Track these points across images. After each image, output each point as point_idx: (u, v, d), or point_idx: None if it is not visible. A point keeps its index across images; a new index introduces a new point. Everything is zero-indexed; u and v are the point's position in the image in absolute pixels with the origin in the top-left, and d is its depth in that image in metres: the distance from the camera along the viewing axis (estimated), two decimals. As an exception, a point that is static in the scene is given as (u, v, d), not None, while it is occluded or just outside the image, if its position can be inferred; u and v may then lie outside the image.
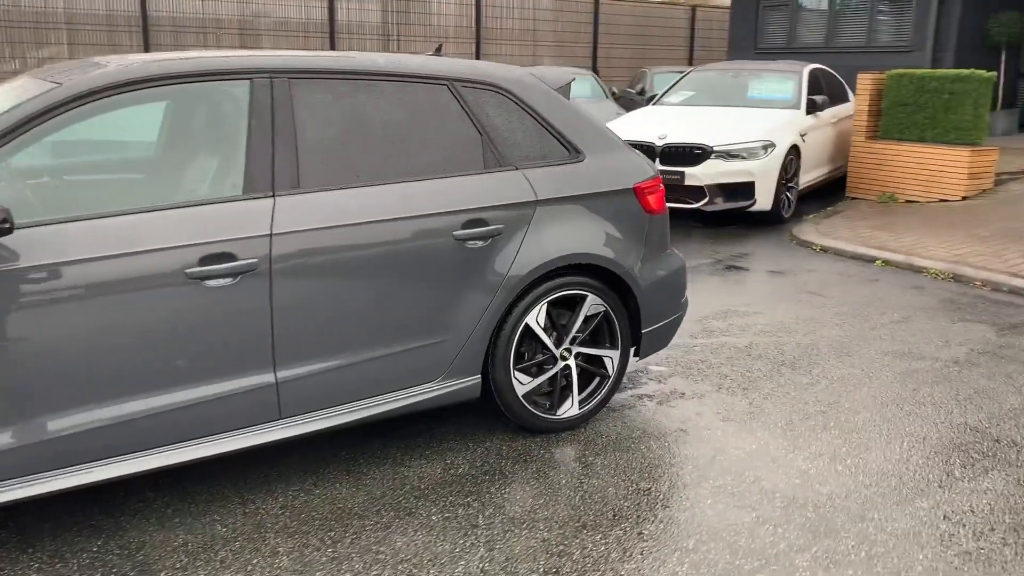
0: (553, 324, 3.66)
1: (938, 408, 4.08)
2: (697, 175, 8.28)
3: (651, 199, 3.88)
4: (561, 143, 3.68)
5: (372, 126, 3.33)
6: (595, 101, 13.02)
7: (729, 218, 8.72)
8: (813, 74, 9.91)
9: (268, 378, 3.04)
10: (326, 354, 3.15)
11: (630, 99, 14.91)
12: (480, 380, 3.51)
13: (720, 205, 8.37)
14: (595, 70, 19.09)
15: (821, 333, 5.18)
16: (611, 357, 3.84)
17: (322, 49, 15.46)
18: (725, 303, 5.81)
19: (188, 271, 2.84)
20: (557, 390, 3.74)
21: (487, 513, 3.10)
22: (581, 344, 3.76)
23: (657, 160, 8.44)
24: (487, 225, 3.41)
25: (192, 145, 3.20)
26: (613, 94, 13.69)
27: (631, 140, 8.58)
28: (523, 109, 3.61)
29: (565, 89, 3.84)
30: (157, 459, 2.88)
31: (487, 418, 3.86)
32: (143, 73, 2.92)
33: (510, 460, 3.51)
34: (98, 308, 2.74)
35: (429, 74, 3.46)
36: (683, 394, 4.23)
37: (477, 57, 17.22)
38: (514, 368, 3.58)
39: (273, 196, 3.03)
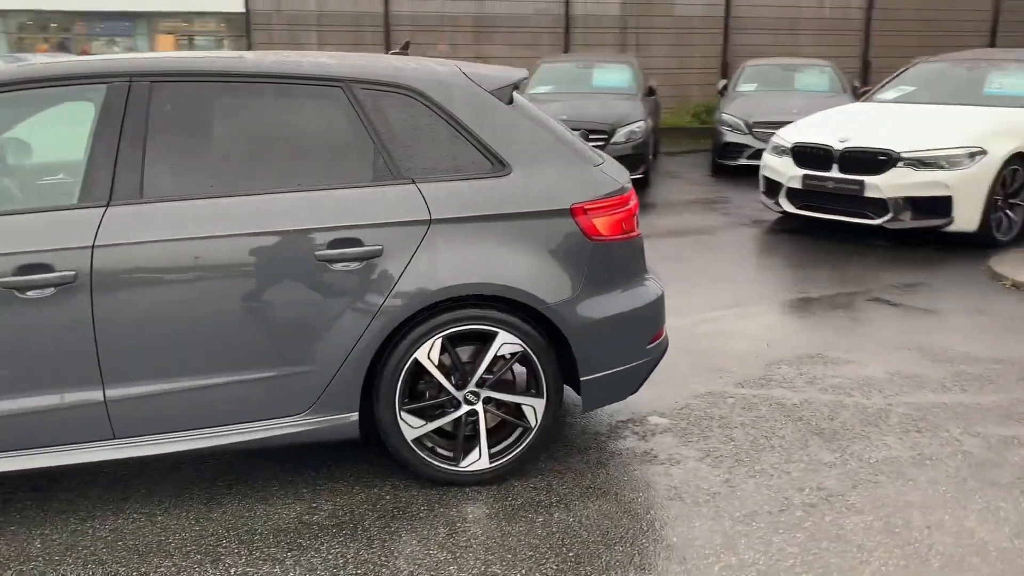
0: (456, 362, 3.18)
1: (983, 524, 3.00)
2: (879, 186, 7.02)
3: (598, 222, 3.23)
4: (483, 154, 3.17)
5: (242, 132, 3.08)
6: (831, 96, 11.64)
7: (926, 237, 7.30)
8: (1078, 64, 8.01)
9: (95, 396, 2.92)
10: (163, 376, 2.96)
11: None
12: (357, 418, 3.13)
13: (906, 222, 7.03)
14: (866, 61, 17.21)
15: (910, 397, 4.08)
16: (532, 406, 3.26)
17: (557, 44, 15.38)
18: (823, 344, 4.81)
19: (1, 280, 2.78)
20: (460, 438, 3.25)
21: (292, 575, 2.74)
22: (493, 388, 3.23)
23: (835, 167, 7.28)
24: (361, 245, 3.01)
25: (41, 152, 3.16)
26: (855, 88, 12.13)
27: (806, 143, 7.52)
28: (438, 115, 3.15)
29: (504, 92, 3.29)
30: (-34, 467, 2.87)
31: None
32: None
33: (380, 514, 3.10)
34: None
35: (321, 76, 3.12)
36: (655, 457, 3.51)
37: (724, 50, 16.22)
38: (402, 407, 3.15)
39: (106, 206, 2.88)
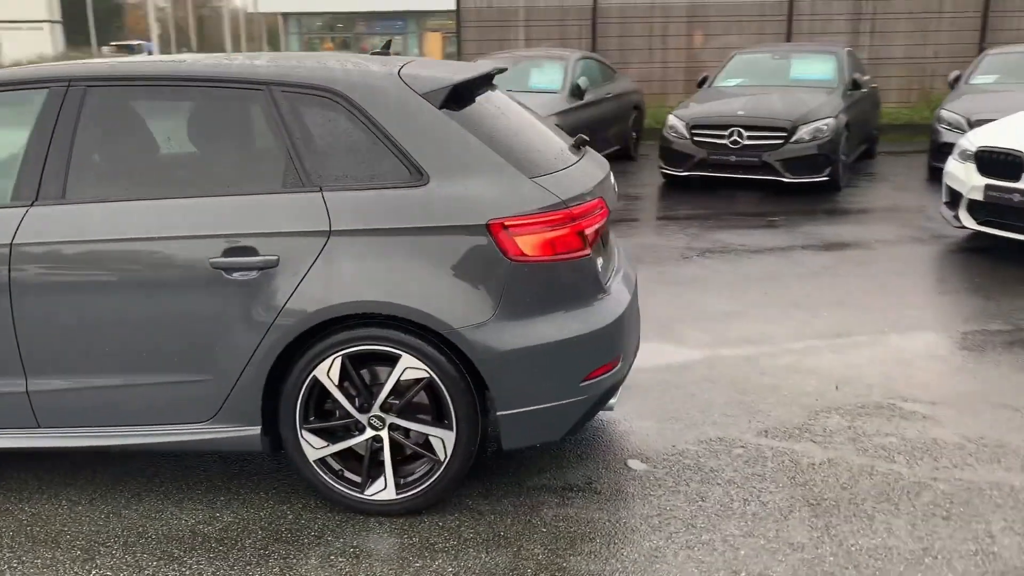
0: (358, 383, 2.98)
1: (944, 655, 2.32)
2: (1074, 202, 5.77)
3: (522, 240, 2.87)
4: (402, 162, 2.93)
5: (163, 135, 3.09)
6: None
7: None
8: None
9: (19, 386, 3.06)
10: (77, 373, 3.04)
11: None
12: (259, 432, 3.03)
13: (1110, 247, 5.72)
14: None
15: (969, 472, 3.27)
16: (441, 439, 2.98)
17: (779, 33, 14.32)
18: (909, 393, 4.01)
19: (-62, 272, 2.99)
20: (365, 464, 3.05)
21: (138, 585, 2.71)
22: (400, 415, 3.00)
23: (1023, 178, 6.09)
24: (256, 255, 2.90)
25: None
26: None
27: (992, 147, 6.39)
28: (359, 120, 2.95)
29: (436, 95, 2.99)
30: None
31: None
32: None
33: (268, 533, 2.99)
34: None
35: (245, 78, 3.04)
36: (598, 509, 3.09)
37: (981, 36, 14.24)
38: (304, 426, 3.02)
39: (30, 205, 3.00)
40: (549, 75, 10.43)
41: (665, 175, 9.80)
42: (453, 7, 14.80)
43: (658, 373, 4.30)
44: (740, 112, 9.26)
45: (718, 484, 3.24)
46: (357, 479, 3.07)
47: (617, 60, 13.64)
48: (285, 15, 41.16)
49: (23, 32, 22.93)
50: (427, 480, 3.02)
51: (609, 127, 10.93)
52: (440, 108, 2.99)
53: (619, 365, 3.12)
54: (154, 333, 2.98)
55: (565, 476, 3.33)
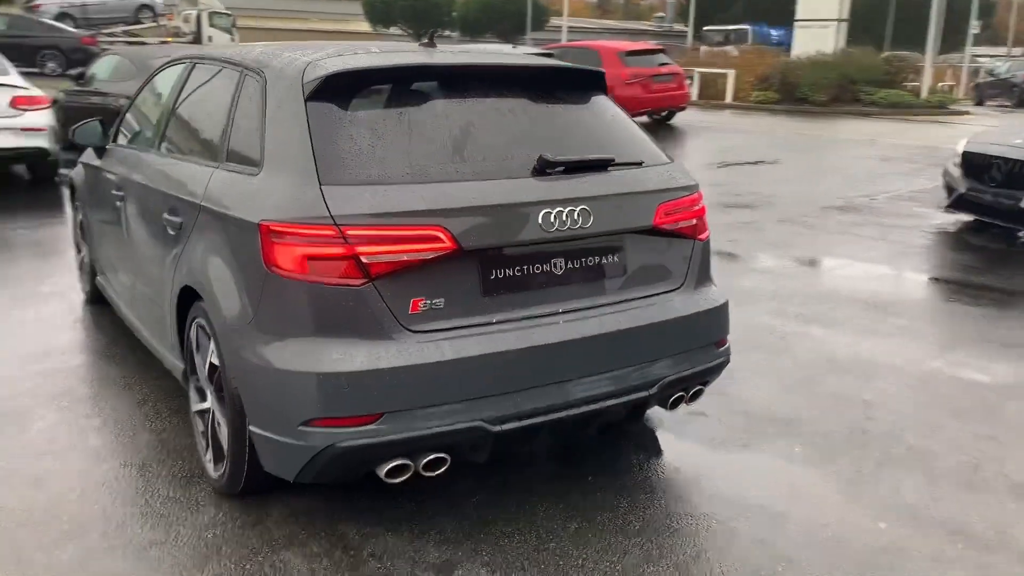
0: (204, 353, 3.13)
1: None
2: None
3: (281, 251, 2.60)
4: (261, 148, 2.91)
5: (195, 104, 3.67)
6: None
7: None
8: None
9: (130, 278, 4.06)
10: (132, 275, 3.96)
11: None
12: (181, 368, 3.40)
13: None
14: None
15: None
16: (226, 430, 2.93)
17: None
18: None
19: (113, 193, 4.13)
20: (208, 428, 3.17)
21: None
22: (217, 395, 3.03)
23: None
24: (176, 215, 3.28)
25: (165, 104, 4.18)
26: None
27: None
28: (262, 103, 3.03)
29: (308, 85, 2.77)
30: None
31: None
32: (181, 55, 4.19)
33: (136, 468, 3.30)
34: None
35: (238, 62, 3.35)
36: (316, 579, 2.63)
37: None
38: (190, 376, 3.30)
39: (146, 150, 3.91)
40: None
41: None
42: None
43: (745, 511, 3.08)
44: None
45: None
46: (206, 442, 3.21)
47: None
48: None
49: (813, 29, 24.18)
50: (223, 466, 3.01)
51: None
52: (307, 100, 2.82)
53: (372, 425, 2.54)
54: (151, 265, 3.61)
55: (395, 548, 2.83)
